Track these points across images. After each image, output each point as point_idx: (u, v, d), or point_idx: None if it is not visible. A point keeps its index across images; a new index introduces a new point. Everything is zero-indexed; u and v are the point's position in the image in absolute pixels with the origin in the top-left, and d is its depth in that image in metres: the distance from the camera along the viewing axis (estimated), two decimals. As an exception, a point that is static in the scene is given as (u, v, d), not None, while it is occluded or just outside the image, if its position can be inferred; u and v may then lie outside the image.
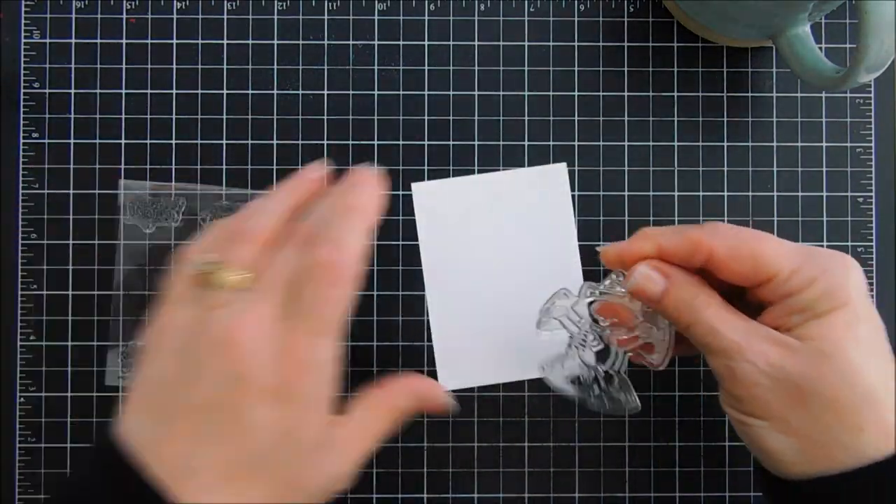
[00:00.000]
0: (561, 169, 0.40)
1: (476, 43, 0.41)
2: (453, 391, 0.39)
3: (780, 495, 0.31)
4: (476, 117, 0.40)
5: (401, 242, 0.40)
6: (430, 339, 0.40)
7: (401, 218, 0.40)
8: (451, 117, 0.40)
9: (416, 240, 0.40)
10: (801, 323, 0.29)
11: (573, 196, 0.40)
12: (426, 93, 0.40)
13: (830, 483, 0.28)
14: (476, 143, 0.40)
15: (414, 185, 0.40)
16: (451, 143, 0.40)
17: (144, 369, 0.29)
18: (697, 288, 0.31)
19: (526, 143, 0.40)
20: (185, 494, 0.26)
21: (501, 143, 0.40)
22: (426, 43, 0.41)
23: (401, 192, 0.40)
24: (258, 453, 0.28)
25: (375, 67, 0.41)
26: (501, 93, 0.41)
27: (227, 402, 0.27)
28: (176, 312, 0.30)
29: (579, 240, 0.40)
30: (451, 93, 0.40)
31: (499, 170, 0.40)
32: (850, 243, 0.41)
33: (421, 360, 0.40)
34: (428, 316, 0.40)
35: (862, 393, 0.28)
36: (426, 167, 0.40)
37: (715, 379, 0.31)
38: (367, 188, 0.31)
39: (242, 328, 0.28)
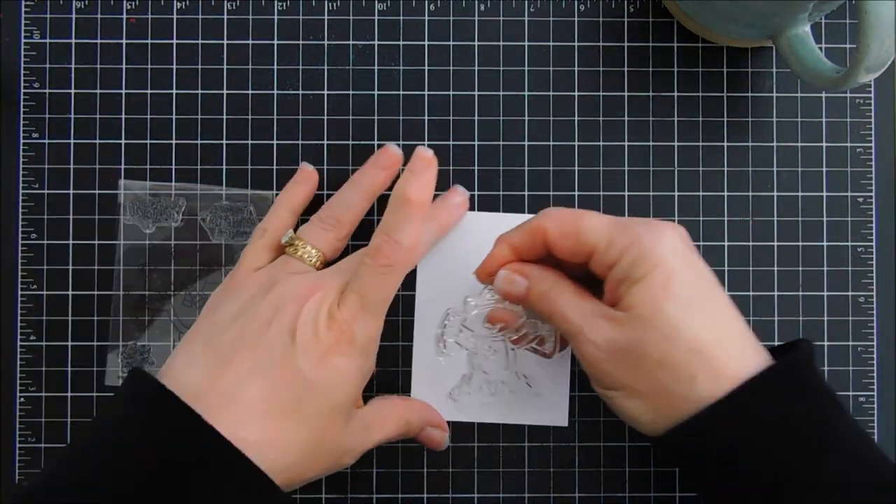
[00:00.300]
0: None
1: (476, 43, 0.41)
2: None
3: (660, 454, 0.33)
4: (476, 117, 0.40)
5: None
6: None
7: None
8: (451, 117, 0.40)
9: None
10: (626, 292, 0.31)
11: (574, 196, 0.40)
12: (426, 93, 0.40)
13: (679, 431, 0.30)
14: (476, 143, 0.40)
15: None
16: (451, 143, 0.40)
17: (210, 315, 0.34)
18: (553, 280, 0.33)
19: (526, 143, 0.40)
20: (222, 421, 0.30)
21: (501, 143, 0.40)
22: (426, 43, 0.41)
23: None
24: (296, 398, 0.32)
25: (375, 67, 0.41)
26: (501, 93, 0.41)
27: (279, 348, 0.32)
28: (251, 272, 0.36)
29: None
30: (451, 93, 0.40)
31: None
32: (850, 243, 0.41)
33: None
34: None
35: (686, 346, 0.30)
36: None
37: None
38: (422, 179, 0.34)
39: (308, 293, 0.33)
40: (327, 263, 0.37)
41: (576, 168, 0.40)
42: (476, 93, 0.40)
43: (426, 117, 0.40)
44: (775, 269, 0.40)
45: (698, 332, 0.30)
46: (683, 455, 0.31)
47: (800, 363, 0.31)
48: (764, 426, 0.30)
